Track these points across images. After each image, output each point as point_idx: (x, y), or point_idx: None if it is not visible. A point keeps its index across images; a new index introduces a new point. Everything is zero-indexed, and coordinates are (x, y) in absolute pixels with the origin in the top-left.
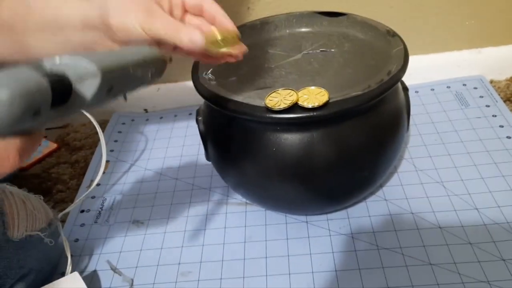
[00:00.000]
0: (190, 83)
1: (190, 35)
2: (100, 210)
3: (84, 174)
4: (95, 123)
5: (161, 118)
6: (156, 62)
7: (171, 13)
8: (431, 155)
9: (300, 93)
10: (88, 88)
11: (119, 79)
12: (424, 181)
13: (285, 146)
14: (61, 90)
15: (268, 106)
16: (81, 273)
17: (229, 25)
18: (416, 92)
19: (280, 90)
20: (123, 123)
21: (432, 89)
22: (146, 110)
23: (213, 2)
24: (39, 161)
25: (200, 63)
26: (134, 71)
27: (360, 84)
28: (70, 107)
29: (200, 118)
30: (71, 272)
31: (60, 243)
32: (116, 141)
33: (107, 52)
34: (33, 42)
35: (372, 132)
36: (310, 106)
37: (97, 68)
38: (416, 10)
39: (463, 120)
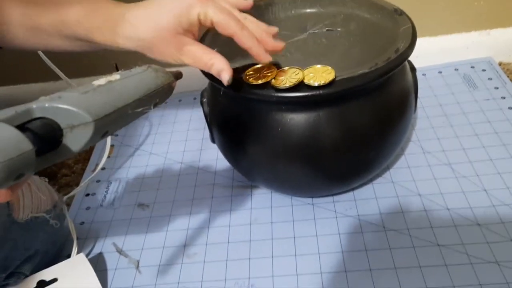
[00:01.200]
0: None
1: (218, 71)
2: (105, 193)
3: (88, 158)
4: None
5: (165, 102)
6: (161, 92)
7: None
8: (438, 137)
9: (306, 72)
10: (79, 137)
11: (116, 122)
12: (432, 163)
13: (291, 126)
14: (49, 137)
15: (273, 85)
16: (87, 255)
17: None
18: (424, 75)
19: (286, 69)
20: None
21: (440, 72)
22: None
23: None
24: None
25: (205, 44)
26: (133, 110)
27: (367, 63)
28: (59, 155)
29: (204, 100)
30: (76, 254)
31: (66, 226)
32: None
33: (104, 93)
34: (121, 42)
35: (380, 111)
36: (316, 84)
37: (90, 117)
38: None
39: (471, 102)
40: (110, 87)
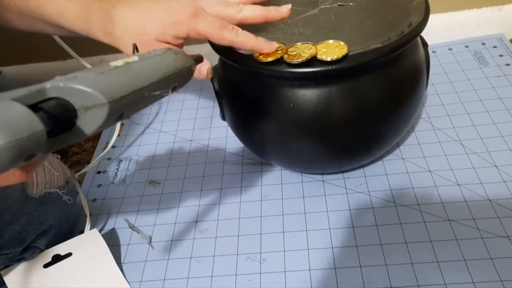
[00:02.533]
0: (204, 46)
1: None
2: (116, 171)
3: (99, 137)
4: None
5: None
6: (180, 75)
7: None
8: (449, 114)
9: (318, 47)
10: (93, 119)
11: (131, 105)
12: (442, 140)
13: (303, 102)
14: (63, 118)
15: (286, 60)
16: (99, 231)
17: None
18: (434, 52)
19: (299, 44)
20: None
21: (450, 49)
22: None
23: None
24: None
25: None
26: (150, 93)
27: (380, 37)
28: (73, 136)
29: (215, 77)
30: (89, 229)
31: (78, 202)
32: None
33: (120, 74)
34: (99, 36)
35: (392, 86)
36: (329, 59)
37: (105, 98)
38: None
39: (482, 79)
40: (127, 69)
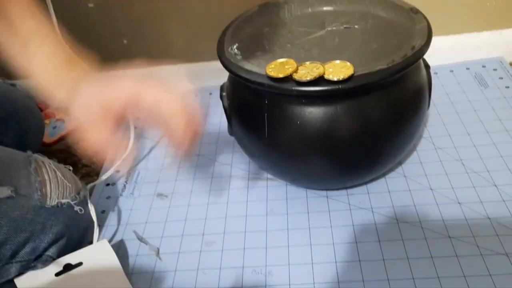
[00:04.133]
0: (211, 63)
1: None
2: (125, 183)
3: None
4: None
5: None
6: None
7: None
8: (450, 134)
9: (326, 66)
10: None
11: None
12: (443, 159)
13: (310, 119)
14: None
15: (295, 79)
16: (108, 241)
17: None
18: (436, 73)
19: (307, 63)
20: None
21: (451, 71)
22: None
23: None
24: (64, 137)
25: (225, 39)
26: None
27: (384, 59)
28: None
29: (224, 94)
30: (98, 239)
31: (88, 213)
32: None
33: None
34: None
35: (395, 106)
36: (335, 79)
37: None
38: None
39: (482, 101)
40: None
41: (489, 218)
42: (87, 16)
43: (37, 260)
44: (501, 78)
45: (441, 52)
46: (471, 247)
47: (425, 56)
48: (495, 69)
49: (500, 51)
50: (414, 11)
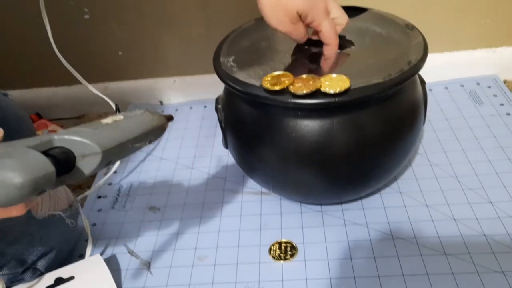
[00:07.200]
0: (205, 77)
1: None
2: (117, 196)
3: None
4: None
5: (176, 110)
6: (155, 131)
7: None
8: (445, 150)
9: (322, 80)
10: (89, 164)
11: (118, 154)
12: (439, 175)
13: (305, 132)
14: (65, 163)
15: (291, 91)
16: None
17: None
18: (430, 90)
19: (304, 76)
20: None
21: (446, 88)
22: (161, 102)
23: None
24: None
25: (222, 51)
26: (133, 145)
27: (381, 73)
28: (72, 177)
29: (219, 106)
30: (90, 253)
31: (79, 226)
32: None
33: (110, 130)
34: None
35: (391, 120)
36: (332, 92)
37: (99, 148)
38: (431, 9)
39: (477, 118)
40: (115, 125)
41: (485, 235)
42: (83, 27)
43: (24, 273)
44: (495, 95)
45: (436, 69)
46: (467, 264)
47: (421, 72)
48: (489, 87)
49: (494, 69)
50: (410, 27)
